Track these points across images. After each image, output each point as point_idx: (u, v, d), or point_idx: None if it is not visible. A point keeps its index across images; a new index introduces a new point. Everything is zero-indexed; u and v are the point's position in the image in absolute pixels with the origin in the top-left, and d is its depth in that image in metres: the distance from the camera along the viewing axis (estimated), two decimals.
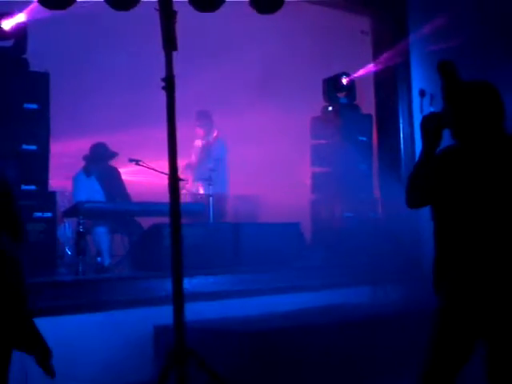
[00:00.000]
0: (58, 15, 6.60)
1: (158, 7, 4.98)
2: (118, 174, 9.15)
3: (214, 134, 9.89)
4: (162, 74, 4.92)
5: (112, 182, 8.93)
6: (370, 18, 9.70)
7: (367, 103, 9.69)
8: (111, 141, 9.10)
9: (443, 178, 3.65)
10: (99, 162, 8.89)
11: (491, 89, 3.72)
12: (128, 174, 9.55)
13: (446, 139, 3.77)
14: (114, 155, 8.97)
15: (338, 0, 9.31)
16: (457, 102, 3.72)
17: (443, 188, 3.66)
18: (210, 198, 9.12)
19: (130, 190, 9.19)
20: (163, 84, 4.90)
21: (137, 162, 8.42)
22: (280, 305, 7.18)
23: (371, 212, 9.20)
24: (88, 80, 9.98)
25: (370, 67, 9.33)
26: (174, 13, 5.00)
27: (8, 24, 7.06)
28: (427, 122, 3.72)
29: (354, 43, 9.77)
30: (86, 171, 8.79)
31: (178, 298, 4.57)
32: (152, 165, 8.32)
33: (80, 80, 9.89)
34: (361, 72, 9.47)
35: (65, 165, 9.32)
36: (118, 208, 8.63)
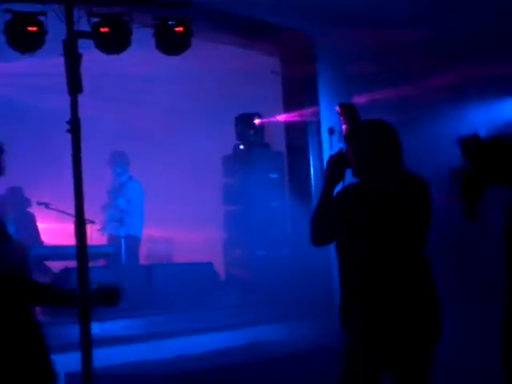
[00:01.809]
0: None
1: (63, 52, 4.97)
2: (34, 218, 9.04)
3: (128, 175, 9.80)
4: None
5: (27, 227, 8.78)
6: (279, 58, 9.84)
7: (277, 141, 9.78)
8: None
9: (345, 215, 3.72)
10: (16, 205, 8.78)
11: (387, 127, 3.82)
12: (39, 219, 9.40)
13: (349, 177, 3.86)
14: (28, 203, 8.91)
15: (246, 41, 9.41)
16: (355, 141, 3.81)
17: (345, 225, 3.72)
18: (122, 240, 9.02)
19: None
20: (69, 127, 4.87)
21: (46, 205, 8.41)
22: (195, 346, 7.11)
23: (284, 249, 9.23)
24: None
25: (282, 117, 9.46)
26: (79, 56, 4.99)
27: None
28: (333, 161, 3.81)
29: (266, 83, 9.87)
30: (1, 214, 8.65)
31: (86, 344, 4.49)
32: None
33: None
34: (273, 119, 9.59)
35: None
36: None
